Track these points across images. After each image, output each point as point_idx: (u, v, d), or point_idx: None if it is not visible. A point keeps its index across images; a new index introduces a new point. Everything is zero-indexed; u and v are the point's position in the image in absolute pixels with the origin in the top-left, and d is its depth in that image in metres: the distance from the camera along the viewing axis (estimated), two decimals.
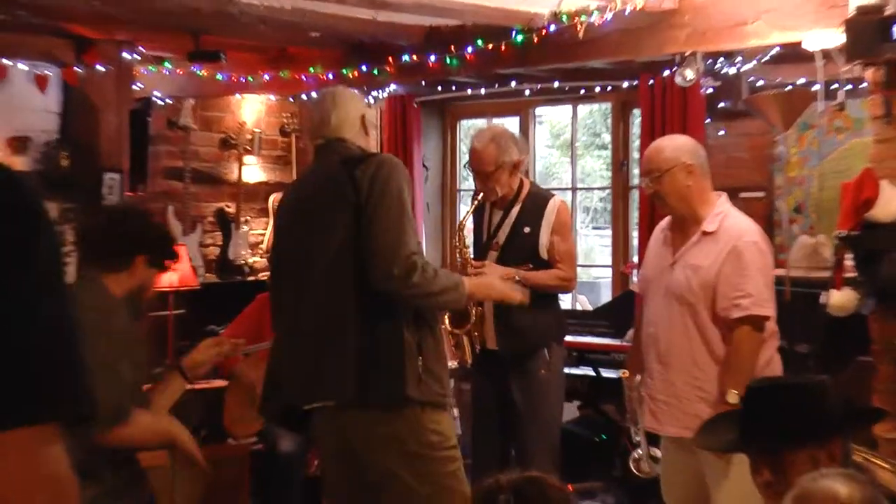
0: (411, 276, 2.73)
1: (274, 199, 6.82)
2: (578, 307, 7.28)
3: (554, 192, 4.30)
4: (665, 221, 3.42)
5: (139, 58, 5.51)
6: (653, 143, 3.39)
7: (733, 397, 2.99)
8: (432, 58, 5.27)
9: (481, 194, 3.97)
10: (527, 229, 3.95)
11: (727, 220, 3.20)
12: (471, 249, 4.10)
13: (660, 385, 3.25)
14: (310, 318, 2.89)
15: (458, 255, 3.99)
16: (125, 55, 5.33)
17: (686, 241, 3.22)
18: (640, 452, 3.47)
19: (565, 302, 6.40)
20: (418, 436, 2.85)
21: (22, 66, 5.17)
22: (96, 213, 4.16)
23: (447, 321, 3.96)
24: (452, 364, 4.90)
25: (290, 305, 2.98)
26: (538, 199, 3.99)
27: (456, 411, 5.12)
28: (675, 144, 3.29)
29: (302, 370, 2.89)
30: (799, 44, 4.19)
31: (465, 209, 4.94)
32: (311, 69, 5.76)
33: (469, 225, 4.16)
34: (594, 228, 14.23)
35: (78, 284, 2.60)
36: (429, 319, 2.91)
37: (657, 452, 3.43)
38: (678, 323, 3.19)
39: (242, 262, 6.58)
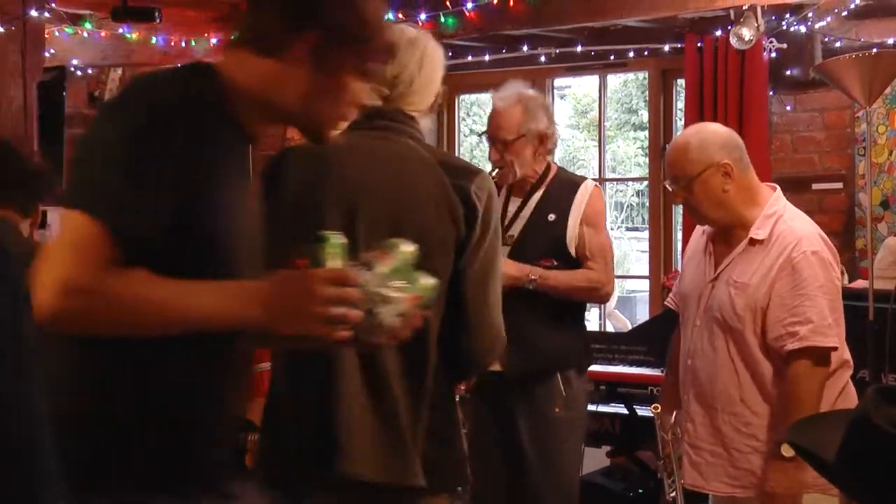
0: None
1: None
2: (610, 327, 7.22)
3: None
4: None
5: (50, 16, 5.48)
6: (675, 140, 3.34)
7: (788, 451, 2.98)
8: (423, 16, 5.27)
9: (496, 171, 3.93)
10: (551, 216, 3.91)
11: (780, 223, 3.18)
12: None
13: (703, 432, 3.26)
14: None
15: None
16: (32, 12, 5.28)
17: (730, 252, 3.22)
18: None
19: (592, 322, 6.38)
20: None
21: None
22: None
23: None
24: None
25: None
26: (567, 184, 3.98)
27: None
28: (703, 139, 3.23)
29: None
30: None
31: None
32: None
33: None
34: (628, 230, 14.21)
35: None
36: None
37: None
38: (722, 354, 3.20)
39: None
